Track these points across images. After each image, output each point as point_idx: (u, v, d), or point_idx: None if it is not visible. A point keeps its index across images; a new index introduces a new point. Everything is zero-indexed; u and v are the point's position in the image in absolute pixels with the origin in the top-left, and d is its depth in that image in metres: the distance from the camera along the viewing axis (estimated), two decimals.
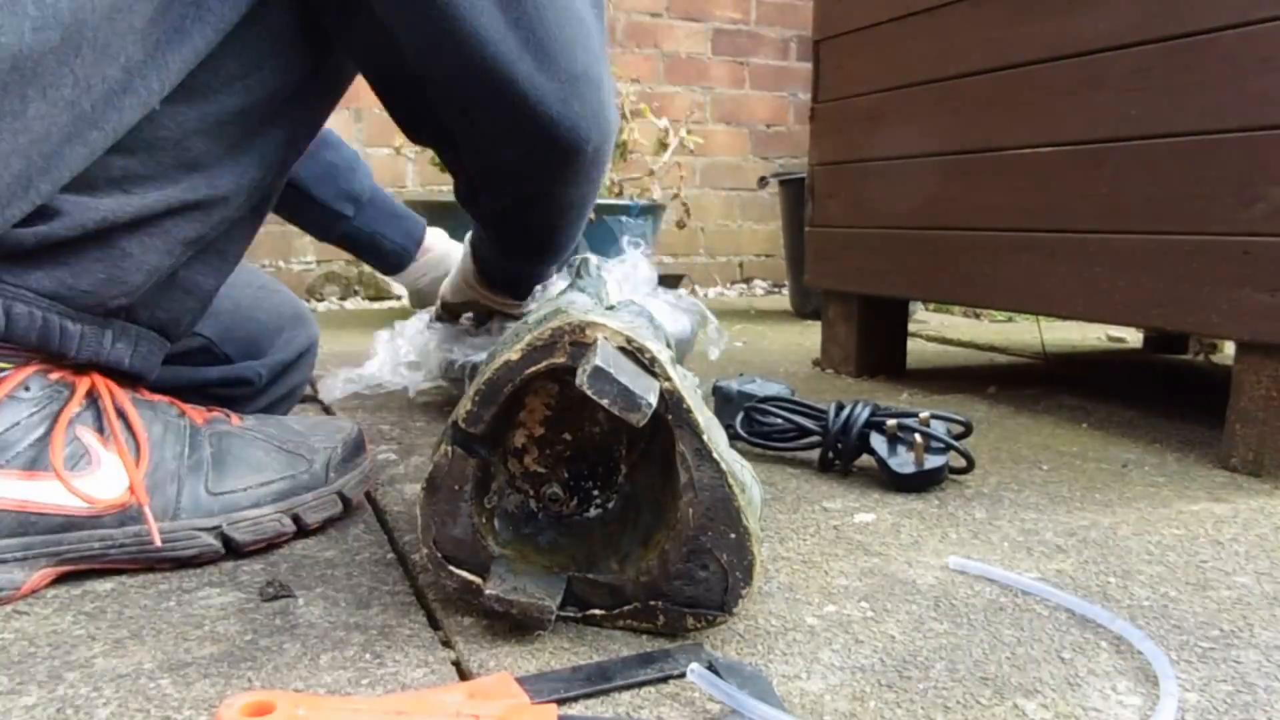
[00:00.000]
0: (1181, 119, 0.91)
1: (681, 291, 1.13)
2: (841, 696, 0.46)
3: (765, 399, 0.92)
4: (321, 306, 2.50)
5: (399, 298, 2.64)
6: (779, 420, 0.90)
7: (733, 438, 0.86)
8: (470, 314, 1.08)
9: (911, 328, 1.77)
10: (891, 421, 0.82)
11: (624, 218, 1.86)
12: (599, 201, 1.83)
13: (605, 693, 0.46)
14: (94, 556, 0.58)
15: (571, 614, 0.53)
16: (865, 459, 0.85)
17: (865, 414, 0.84)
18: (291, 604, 0.56)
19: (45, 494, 0.56)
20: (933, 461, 0.80)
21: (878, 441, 0.82)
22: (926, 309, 2.46)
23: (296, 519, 0.65)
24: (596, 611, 0.53)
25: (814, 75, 1.44)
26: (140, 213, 0.57)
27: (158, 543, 0.58)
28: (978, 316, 2.36)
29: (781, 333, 1.96)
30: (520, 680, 0.45)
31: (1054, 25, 1.04)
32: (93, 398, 0.59)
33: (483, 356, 1.02)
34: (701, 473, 0.49)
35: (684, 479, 0.50)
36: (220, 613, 0.55)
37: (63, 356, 0.58)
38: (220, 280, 0.66)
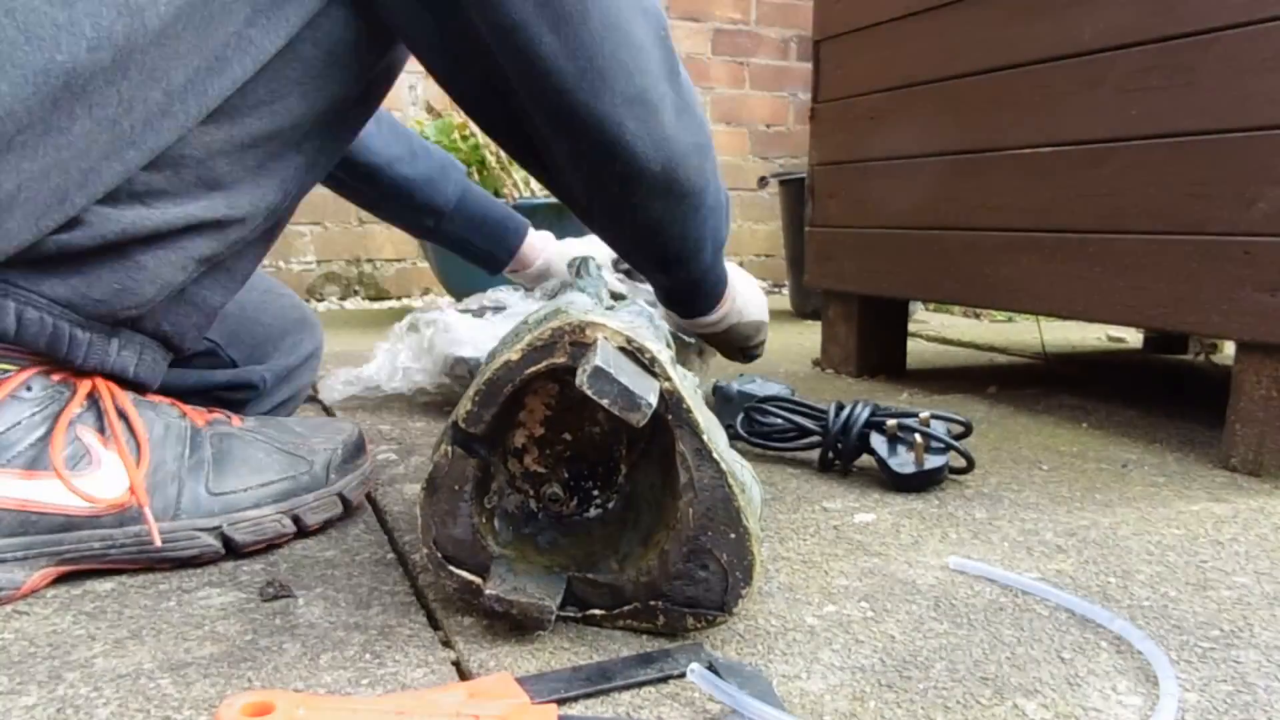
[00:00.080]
0: (1181, 119, 0.91)
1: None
2: (841, 696, 0.46)
3: (765, 399, 0.92)
4: (321, 306, 2.50)
5: (399, 298, 2.64)
6: (779, 420, 0.90)
7: (733, 438, 0.86)
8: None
9: (911, 328, 1.77)
10: (891, 421, 0.82)
11: None
12: None
13: (605, 693, 0.46)
14: (94, 556, 0.58)
15: (571, 614, 0.53)
16: (865, 459, 0.85)
17: (865, 414, 0.84)
18: (291, 604, 0.56)
19: (46, 493, 0.56)
20: (933, 461, 0.80)
21: (878, 441, 0.82)
22: (926, 309, 2.46)
23: (297, 520, 0.65)
24: (596, 611, 0.53)
25: (814, 75, 1.44)
26: (159, 227, 0.58)
27: (158, 543, 0.58)
28: (978, 316, 2.36)
29: (781, 333, 1.96)
30: (520, 680, 0.45)
31: (1054, 25, 1.04)
32: (93, 399, 0.60)
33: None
34: (701, 473, 0.49)
35: (684, 479, 0.50)
36: (220, 613, 0.55)
37: (69, 363, 0.58)
38: (227, 297, 0.67)
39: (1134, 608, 0.58)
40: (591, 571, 0.53)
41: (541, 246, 1.20)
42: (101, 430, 0.59)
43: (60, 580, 0.59)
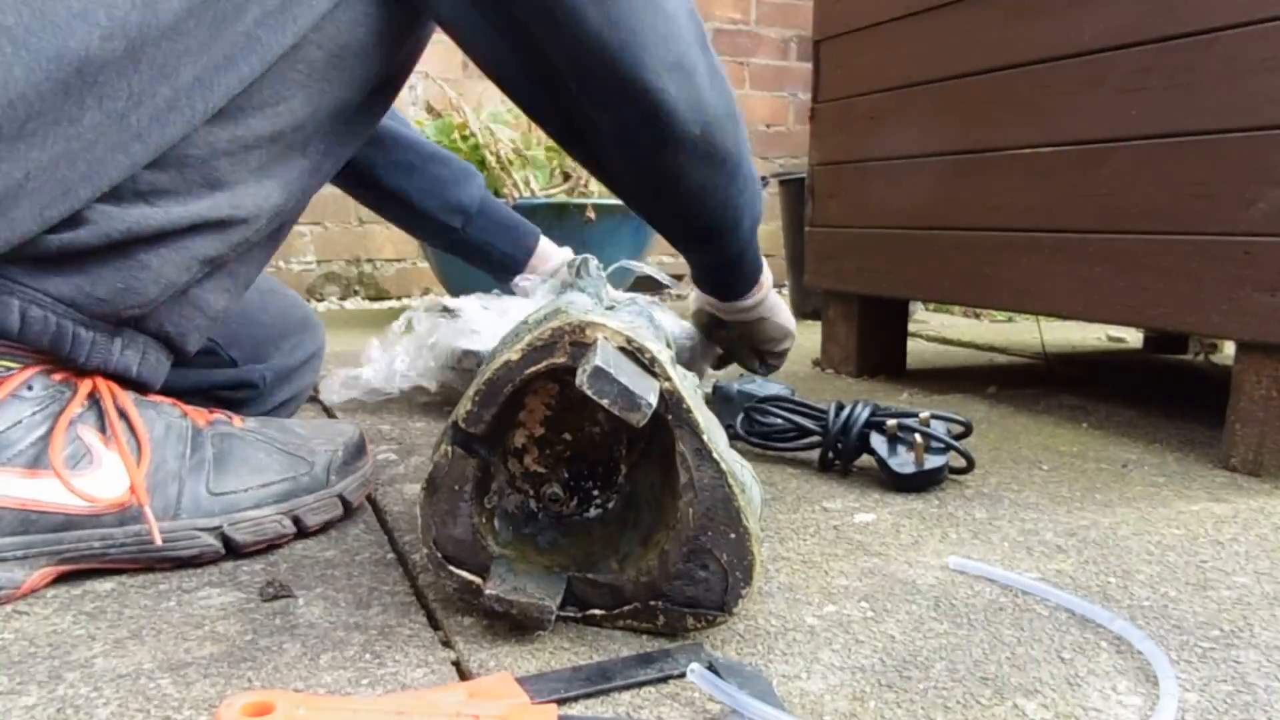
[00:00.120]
0: (1181, 119, 0.91)
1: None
2: (841, 696, 0.46)
3: (765, 399, 0.92)
4: (321, 306, 2.50)
5: (399, 298, 2.64)
6: (779, 420, 0.90)
7: (733, 438, 0.86)
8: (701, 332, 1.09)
9: (911, 328, 1.77)
10: (891, 421, 0.82)
11: (623, 217, 1.86)
12: (600, 201, 1.84)
13: (605, 693, 0.46)
14: (94, 556, 0.58)
15: (571, 614, 0.53)
16: (865, 459, 0.85)
17: (865, 414, 0.84)
18: (291, 604, 0.56)
19: (46, 492, 0.56)
20: (933, 461, 0.80)
21: (878, 441, 0.82)
22: (926, 309, 2.45)
23: (297, 520, 0.65)
24: (596, 611, 0.53)
25: (814, 75, 1.44)
26: (163, 226, 0.58)
27: (158, 542, 0.58)
28: (978, 316, 2.36)
29: None
30: (520, 680, 0.45)
31: (1054, 25, 1.04)
32: (94, 398, 0.60)
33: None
34: (701, 473, 0.49)
35: (684, 479, 0.50)
36: (220, 613, 0.55)
37: (72, 362, 0.58)
38: (231, 301, 0.67)
39: (1134, 608, 0.58)
40: (591, 571, 0.53)
41: (553, 252, 1.22)
42: (102, 430, 0.59)
43: (60, 580, 0.59)
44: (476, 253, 1.20)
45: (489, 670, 0.48)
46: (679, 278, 2.58)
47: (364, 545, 0.66)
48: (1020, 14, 1.08)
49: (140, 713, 0.44)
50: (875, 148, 1.33)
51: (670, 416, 0.49)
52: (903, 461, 0.80)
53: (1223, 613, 0.57)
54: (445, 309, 1.09)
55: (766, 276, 0.99)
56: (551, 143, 1.93)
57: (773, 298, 1.01)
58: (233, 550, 0.62)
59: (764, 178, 2.47)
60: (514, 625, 0.52)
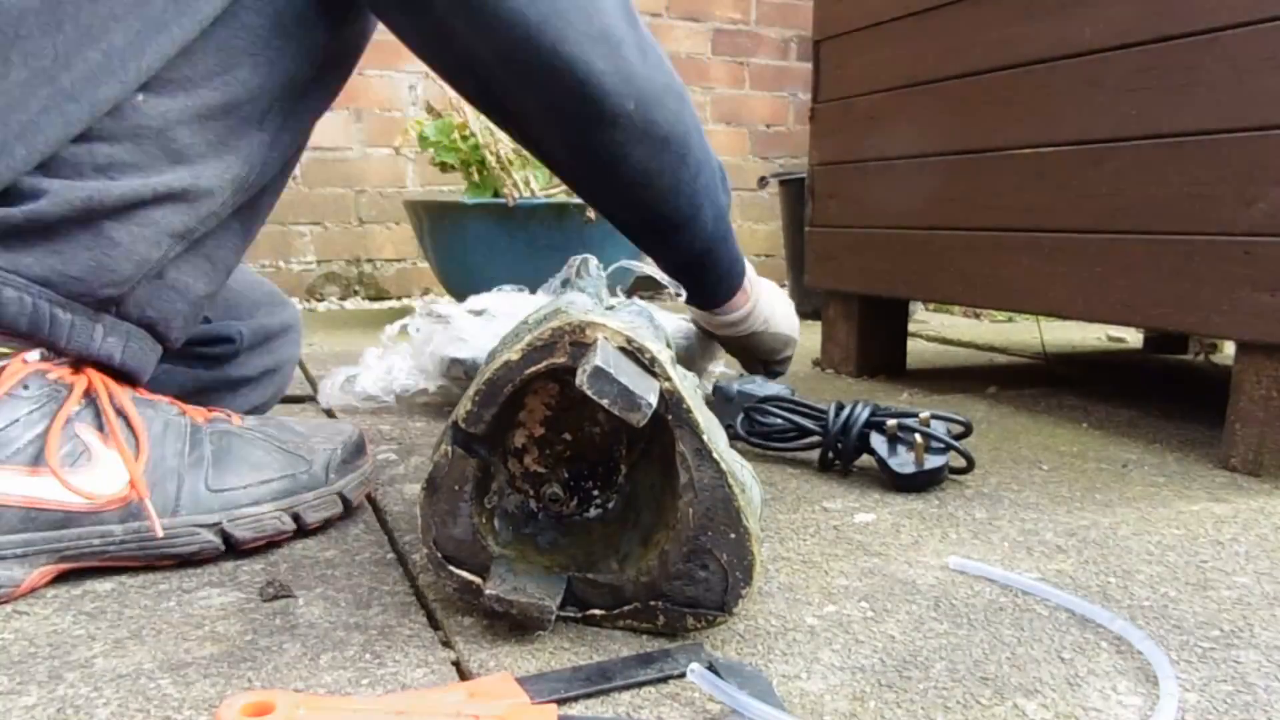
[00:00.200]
0: (1181, 119, 0.91)
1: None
2: (841, 696, 0.46)
3: (765, 399, 0.92)
4: (321, 306, 2.50)
5: (399, 298, 2.64)
6: (779, 420, 0.90)
7: (733, 438, 0.86)
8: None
9: (911, 328, 1.77)
10: (891, 421, 0.82)
11: None
12: None
13: (605, 693, 0.46)
14: (94, 553, 0.58)
15: (571, 614, 0.53)
16: (865, 459, 0.85)
17: (865, 414, 0.84)
18: (291, 604, 0.56)
19: (47, 490, 0.56)
20: (933, 461, 0.80)
21: (878, 441, 0.82)
22: (926, 309, 2.45)
23: (297, 518, 0.65)
24: (596, 611, 0.53)
25: (814, 75, 1.44)
26: (125, 197, 0.58)
27: (159, 533, 0.58)
28: (978, 316, 2.36)
29: None
30: (520, 680, 0.45)
31: (1054, 25, 1.04)
32: (91, 397, 0.60)
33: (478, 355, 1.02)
34: (701, 473, 0.49)
35: (684, 479, 0.50)
36: (220, 613, 0.55)
37: (53, 346, 0.58)
38: (210, 287, 0.67)
39: (1134, 608, 0.58)
40: (591, 571, 0.53)
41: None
42: (100, 428, 0.59)
43: (60, 580, 0.59)
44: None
45: (489, 670, 0.48)
46: None
47: (364, 545, 0.66)
48: (1020, 14, 1.08)
49: (140, 713, 0.44)
50: (875, 148, 1.33)
51: (670, 416, 0.49)
52: (903, 461, 0.80)
53: (1223, 613, 0.57)
54: (437, 315, 1.09)
55: (755, 285, 0.96)
56: None
57: (764, 307, 0.98)
58: (232, 547, 0.62)
59: (764, 178, 2.48)
60: (514, 625, 0.52)
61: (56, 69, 0.55)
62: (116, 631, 0.52)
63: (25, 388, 0.57)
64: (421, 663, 0.49)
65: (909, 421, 0.82)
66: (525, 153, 1.87)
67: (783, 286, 2.96)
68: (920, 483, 0.81)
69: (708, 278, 0.91)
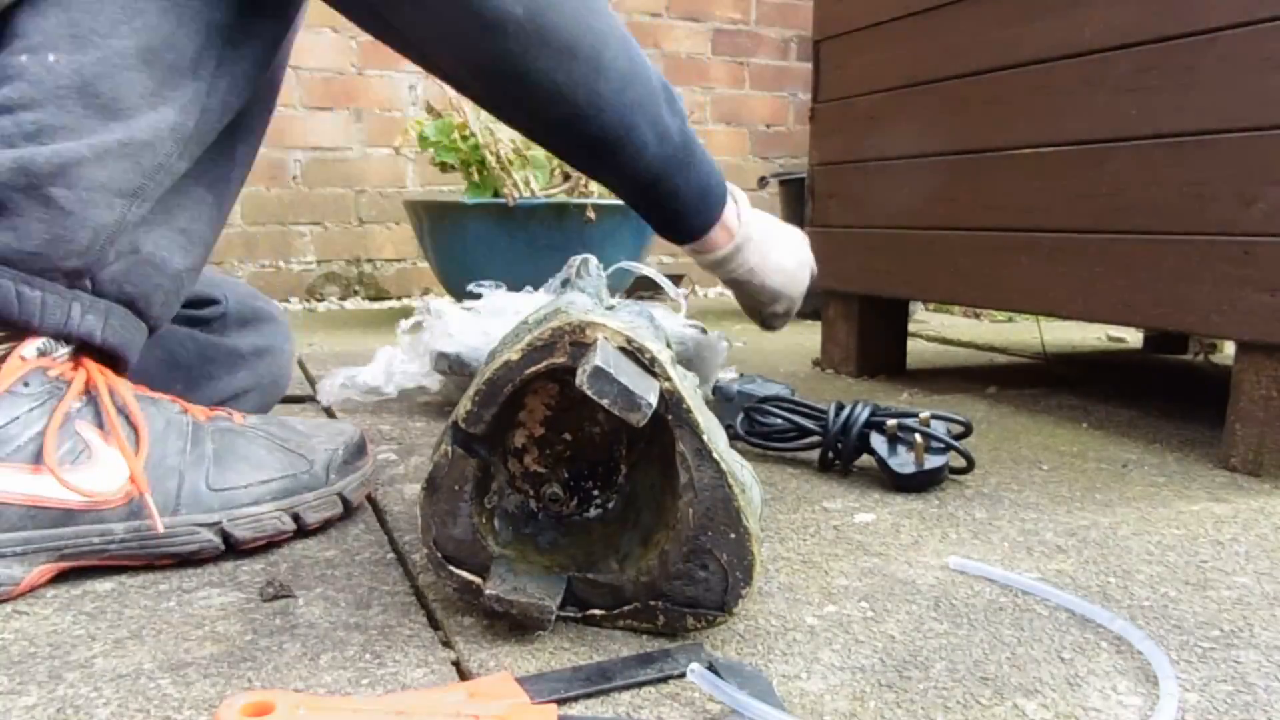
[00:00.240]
0: (1181, 119, 0.91)
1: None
2: (841, 696, 0.46)
3: (765, 399, 0.92)
4: (321, 306, 2.50)
5: (399, 298, 2.64)
6: (779, 420, 0.90)
7: (733, 438, 0.86)
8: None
9: (911, 328, 1.77)
10: (891, 421, 0.82)
11: (623, 218, 1.86)
12: (600, 201, 1.84)
13: (605, 693, 0.46)
14: (93, 552, 0.58)
15: (571, 614, 0.53)
16: (865, 459, 0.85)
17: (865, 414, 0.84)
18: (291, 604, 0.56)
19: (48, 488, 0.56)
20: (933, 461, 0.80)
21: (878, 441, 0.82)
22: (926, 309, 2.45)
23: (296, 518, 0.65)
24: (596, 611, 0.53)
25: (814, 75, 1.44)
26: (63, 158, 0.57)
27: (159, 528, 0.58)
28: (978, 316, 2.36)
29: (782, 333, 1.96)
30: (520, 680, 0.45)
31: (1054, 25, 1.04)
32: (91, 394, 0.60)
33: (475, 353, 1.02)
34: (701, 473, 0.49)
35: (684, 479, 0.50)
36: (220, 613, 0.55)
37: (28, 327, 0.58)
38: (188, 261, 0.66)
39: (1134, 608, 0.58)
40: (591, 571, 0.53)
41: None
42: (101, 425, 0.59)
43: (60, 580, 0.59)
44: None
45: (489, 670, 0.48)
46: (678, 278, 2.58)
47: (364, 545, 0.66)
48: (1020, 14, 1.08)
49: (140, 713, 0.44)
50: (875, 148, 1.33)
51: (670, 416, 0.49)
52: (903, 461, 0.80)
53: (1223, 613, 0.57)
54: (430, 311, 1.09)
55: (747, 226, 0.89)
56: None
57: (751, 254, 0.90)
58: (232, 547, 0.62)
59: (764, 178, 2.48)
60: (514, 625, 0.52)
61: None
62: (116, 631, 0.52)
63: (26, 385, 0.57)
64: (421, 663, 0.49)
65: (909, 421, 0.82)
66: (525, 153, 1.88)
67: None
68: (920, 483, 0.81)
69: (667, 207, 0.84)
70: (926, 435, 0.80)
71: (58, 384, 0.58)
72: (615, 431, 0.56)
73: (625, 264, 1.14)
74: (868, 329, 1.41)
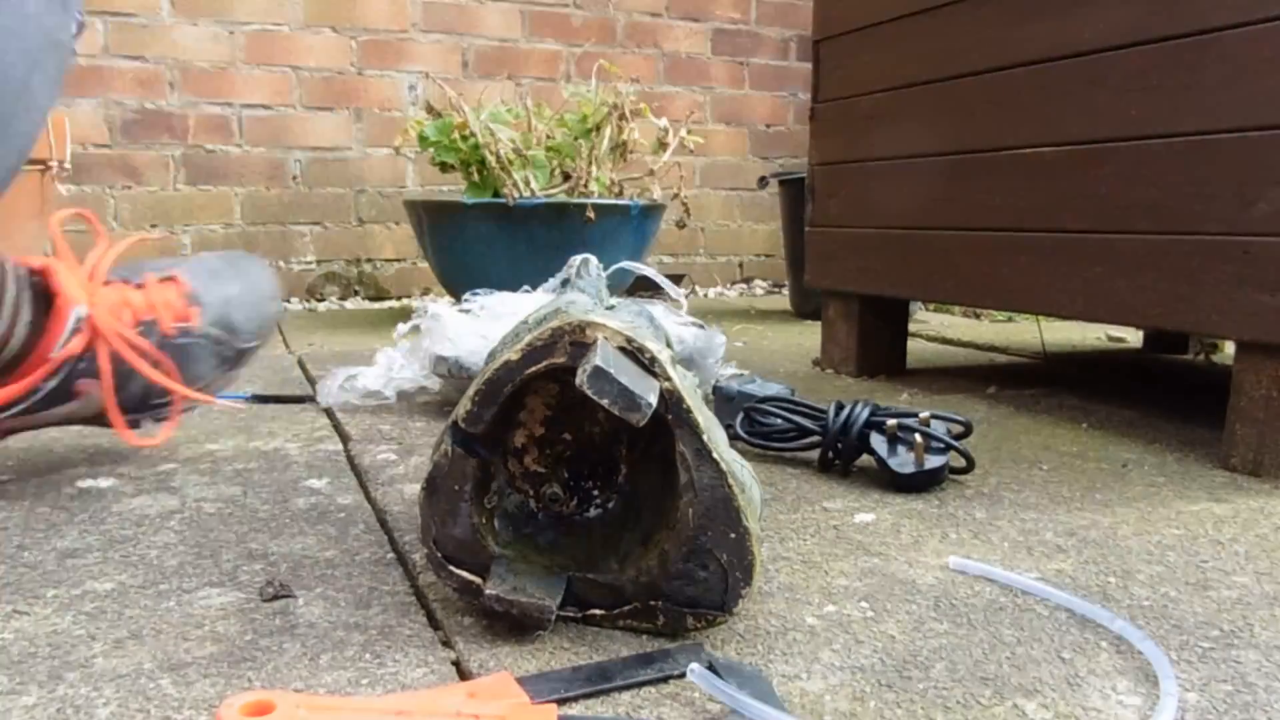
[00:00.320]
0: (1181, 119, 0.91)
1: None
2: (841, 696, 0.46)
3: (765, 399, 0.92)
4: (321, 306, 2.50)
5: (399, 298, 2.64)
6: (779, 420, 0.90)
7: (733, 438, 0.86)
8: None
9: (911, 328, 1.77)
10: (891, 421, 0.82)
11: (623, 218, 1.86)
12: (600, 201, 1.84)
13: (605, 693, 0.46)
14: None
15: (571, 614, 0.53)
16: (865, 459, 0.85)
17: (865, 414, 0.84)
18: (291, 604, 0.56)
19: None
20: (933, 461, 0.80)
21: (878, 441, 0.82)
22: (926, 309, 2.45)
23: None
24: (596, 611, 0.53)
25: (814, 75, 1.44)
26: None
27: None
28: (978, 316, 2.36)
29: (781, 333, 1.96)
30: (520, 680, 0.45)
31: (1054, 25, 1.04)
32: None
33: (473, 356, 1.02)
34: (701, 473, 0.49)
35: (684, 479, 0.50)
36: (220, 613, 0.55)
37: None
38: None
39: (1134, 608, 0.58)
40: (591, 571, 0.53)
41: None
42: None
43: (60, 580, 0.59)
44: None
45: (489, 670, 0.48)
46: (679, 278, 2.58)
47: (364, 545, 0.66)
48: (1020, 14, 1.08)
49: (140, 713, 0.44)
50: (875, 148, 1.33)
51: (670, 416, 0.49)
52: (903, 461, 0.80)
53: (1223, 613, 0.57)
54: (429, 313, 1.09)
55: None
56: (552, 142, 1.93)
57: None
58: None
59: (764, 178, 2.48)
60: (514, 625, 0.52)
61: None
62: (116, 631, 0.52)
63: None
64: (421, 663, 0.49)
65: (909, 421, 0.82)
66: (525, 153, 1.87)
67: (782, 287, 2.97)
68: (920, 483, 0.81)
69: None
70: (926, 435, 0.80)
71: None
72: (615, 431, 0.56)
73: (625, 264, 1.14)
74: (868, 329, 1.41)
